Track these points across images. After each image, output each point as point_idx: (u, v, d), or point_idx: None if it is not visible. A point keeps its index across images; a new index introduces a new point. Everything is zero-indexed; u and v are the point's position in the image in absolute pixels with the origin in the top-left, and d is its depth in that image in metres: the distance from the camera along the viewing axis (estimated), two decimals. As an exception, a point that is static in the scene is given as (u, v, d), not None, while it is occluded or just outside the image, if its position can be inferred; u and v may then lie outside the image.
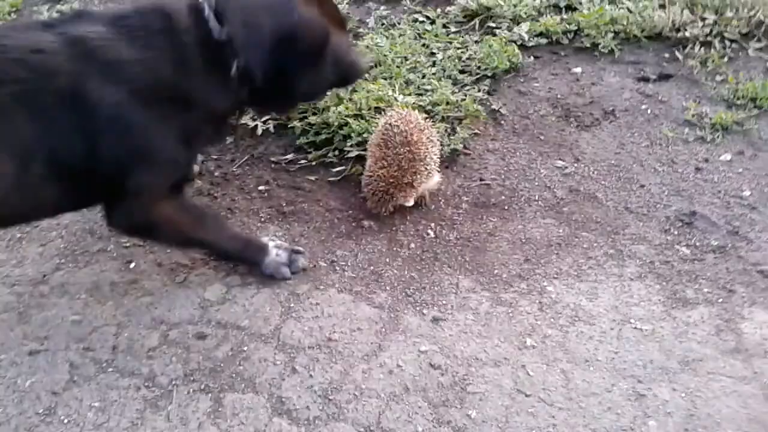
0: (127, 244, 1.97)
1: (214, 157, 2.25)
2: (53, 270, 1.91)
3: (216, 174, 2.19)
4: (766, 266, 1.74)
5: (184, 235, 1.74)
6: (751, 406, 1.45)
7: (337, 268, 1.85)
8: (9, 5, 3.17)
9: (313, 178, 2.14)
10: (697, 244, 1.82)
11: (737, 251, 1.79)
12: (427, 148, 1.91)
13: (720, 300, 1.67)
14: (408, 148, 1.87)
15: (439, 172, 1.98)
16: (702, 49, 2.45)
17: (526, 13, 2.67)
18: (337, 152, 2.17)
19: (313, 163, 2.17)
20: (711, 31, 2.51)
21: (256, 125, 2.29)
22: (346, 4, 2.91)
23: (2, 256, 1.97)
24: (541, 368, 1.56)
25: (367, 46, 2.54)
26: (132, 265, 1.91)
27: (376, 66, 2.46)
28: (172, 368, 1.63)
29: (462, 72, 2.42)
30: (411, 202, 1.94)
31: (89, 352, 1.69)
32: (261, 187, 2.13)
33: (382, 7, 2.88)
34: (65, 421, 1.54)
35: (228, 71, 1.59)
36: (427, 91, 2.32)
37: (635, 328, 1.63)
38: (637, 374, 1.53)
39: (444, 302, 1.73)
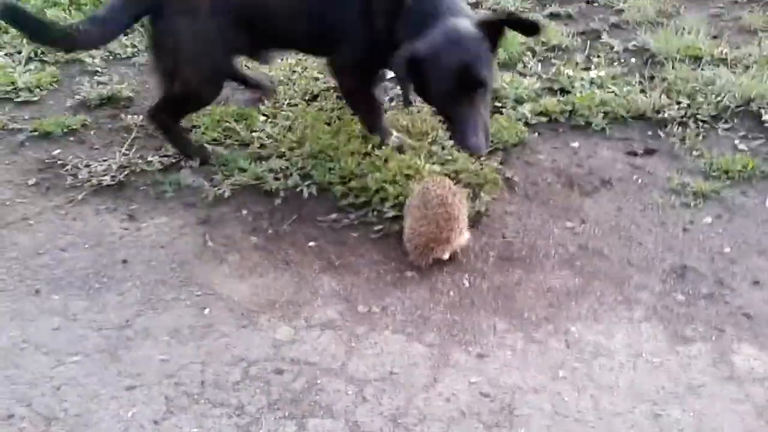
0: (199, 293, 2.24)
1: (266, 216, 2.55)
2: (135, 316, 2.16)
3: (269, 231, 2.48)
4: (749, 309, 2.10)
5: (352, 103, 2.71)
6: (746, 421, 1.78)
7: (389, 312, 2.14)
8: (50, 76, 3.45)
9: (356, 235, 2.45)
10: (690, 291, 2.18)
11: (723, 297, 2.15)
12: (460, 210, 2.25)
13: (713, 338, 2.02)
14: (444, 209, 2.20)
15: (468, 230, 2.31)
16: (680, 128, 2.87)
17: (527, 95, 3.07)
18: (375, 213, 2.49)
19: (355, 222, 2.48)
20: (686, 113, 2.94)
21: (302, 189, 2.60)
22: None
23: (84, 303, 2.21)
24: (573, 394, 1.87)
25: (392, 122, 2.90)
26: (206, 311, 2.17)
27: (402, 139, 2.81)
28: (257, 399, 1.89)
29: (477, 145, 2.78)
30: (447, 256, 2.27)
31: (180, 386, 1.93)
32: (311, 243, 2.43)
33: (398, 87, 3.26)
34: (170, 444, 1.78)
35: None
36: (449, 161, 2.67)
37: (647, 361, 1.96)
38: (653, 398, 1.85)
39: (485, 341, 2.03)
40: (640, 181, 2.64)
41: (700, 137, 2.83)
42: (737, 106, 2.94)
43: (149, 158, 2.83)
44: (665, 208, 2.50)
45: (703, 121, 2.91)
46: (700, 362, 1.95)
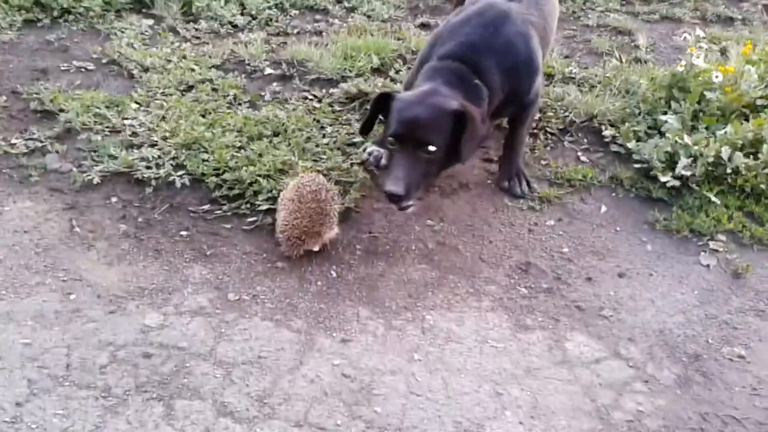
0: (65, 279, 2.23)
1: (136, 204, 2.56)
2: (-5, 300, 2.12)
3: (139, 219, 2.50)
4: (581, 303, 2.37)
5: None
6: (574, 399, 2.03)
7: (258, 300, 2.24)
8: None
9: (228, 226, 2.52)
10: (532, 285, 2.43)
11: (560, 291, 2.41)
12: (331, 205, 2.38)
13: (550, 326, 2.27)
14: (318, 204, 2.33)
15: (337, 225, 2.45)
16: (531, 139, 3.15)
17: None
18: (249, 205, 2.57)
19: (228, 213, 2.55)
20: (537, 125, 3.23)
21: (174, 179, 2.63)
22: (243, 77, 3.34)
23: (-61, 287, 2.14)
24: (426, 376, 2.05)
25: (267, 117, 2.99)
26: (72, 296, 2.17)
27: (275, 135, 2.91)
28: (124, 381, 1.93)
29: (349, 145, 2.93)
30: (317, 248, 2.39)
31: (44, 369, 1.93)
32: (183, 233, 2.47)
33: (275, 84, 3.35)
34: (33, 426, 1.78)
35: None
36: (321, 158, 2.80)
37: (492, 346, 2.17)
38: (495, 379, 2.06)
39: (348, 327, 2.18)
40: (493, 185, 2.88)
41: (548, 148, 3.12)
42: (582, 122, 3.27)
43: (13, 140, 2.75)
44: (514, 211, 2.76)
45: (552, 134, 3.21)
46: (538, 348, 2.19)
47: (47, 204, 2.51)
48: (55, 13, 3.74)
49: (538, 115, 3.27)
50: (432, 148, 2.40)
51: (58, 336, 2.03)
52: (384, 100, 2.51)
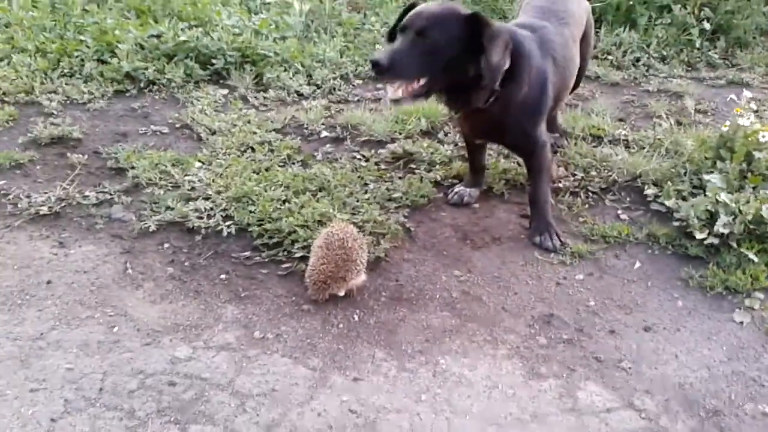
0: (112, 314, 2.46)
1: (185, 250, 2.79)
2: (49, 329, 2.37)
3: (186, 264, 2.72)
4: (600, 354, 2.36)
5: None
6: (577, 446, 2.03)
7: (281, 339, 2.38)
8: (8, 115, 3.71)
9: (265, 271, 2.69)
10: (552, 336, 2.44)
11: (581, 343, 2.42)
12: (358, 253, 2.52)
13: (564, 375, 2.27)
14: (344, 251, 2.47)
15: (365, 272, 2.57)
16: (570, 197, 3.20)
17: (440, 160, 3.40)
18: (286, 253, 2.75)
19: (266, 260, 2.73)
20: (579, 184, 3.28)
21: (222, 228, 2.85)
22: (300, 139, 3.59)
23: (4, 317, 2.41)
24: (430, 416, 2.10)
25: (315, 174, 3.19)
26: (115, 329, 2.38)
27: (320, 190, 3.10)
28: (148, 405, 2.09)
29: (388, 200, 3.08)
30: (342, 293, 2.52)
31: (80, 391, 2.13)
32: (222, 276, 2.67)
33: (328, 145, 3.58)
34: (61, 440, 1.97)
35: None
36: (359, 211, 2.96)
37: (502, 391, 2.20)
38: (500, 422, 2.09)
39: (362, 367, 2.27)
40: (526, 240, 2.93)
41: (587, 206, 3.15)
42: (625, 181, 3.29)
43: (86, 193, 3.08)
44: (544, 265, 2.79)
45: (593, 193, 3.24)
46: (548, 395, 2.20)
47: (107, 248, 2.78)
48: (142, 84, 4.16)
49: (580, 174, 3.32)
50: (432, 37, 2.48)
51: (97, 363, 2.24)
52: (412, 7, 2.62)
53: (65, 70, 4.26)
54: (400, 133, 3.64)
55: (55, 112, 3.80)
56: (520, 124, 2.83)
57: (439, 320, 2.49)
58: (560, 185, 3.27)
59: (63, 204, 3.00)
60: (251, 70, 4.31)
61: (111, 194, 3.08)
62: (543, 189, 2.96)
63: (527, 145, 2.91)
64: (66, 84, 4.11)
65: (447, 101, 2.80)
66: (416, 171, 3.33)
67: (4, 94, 3.95)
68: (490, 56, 2.51)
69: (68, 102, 3.95)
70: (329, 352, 2.33)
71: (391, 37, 2.74)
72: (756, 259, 2.71)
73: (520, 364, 2.32)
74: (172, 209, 2.94)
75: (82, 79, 4.20)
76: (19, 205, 2.98)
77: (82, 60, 4.33)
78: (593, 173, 3.35)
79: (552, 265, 2.79)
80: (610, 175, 3.32)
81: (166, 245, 2.82)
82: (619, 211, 3.15)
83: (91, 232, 2.87)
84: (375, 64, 2.49)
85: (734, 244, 2.79)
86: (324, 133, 3.71)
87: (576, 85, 3.43)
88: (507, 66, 2.65)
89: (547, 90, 2.82)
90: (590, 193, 3.25)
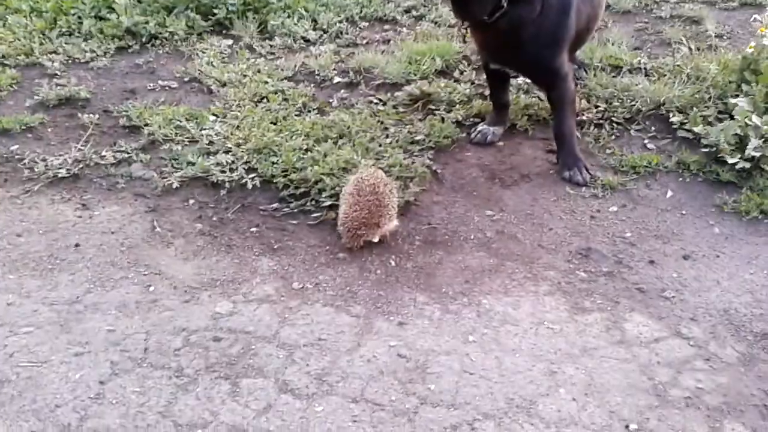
0: (146, 273, 2.42)
1: (211, 205, 2.74)
2: (85, 293, 2.34)
3: (214, 219, 2.68)
4: (642, 285, 2.35)
5: None
6: (630, 377, 2.02)
7: (320, 288, 2.35)
8: (10, 78, 3.61)
9: (294, 222, 2.65)
10: (592, 270, 2.42)
11: (621, 275, 2.40)
12: (390, 198, 2.48)
13: (609, 308, 2.26)
14: (376, 197, 2.43)
15: (396, 217, 2.54)
16: (595, 129, 3.14)
17: (459, 99, 3.33)
18: (314, 202, 2.71)
19: (295, 210, 2.69)
20: (602, 115, 3.22)
21: (246, 181, 2.80)
22: (313, 86, 3.51)
23: (38, 282, 2.38)
24: (480, 356, 2.09)
25: (333, 121, 3.13)
26: (151, 288, 2.36)
27: (341, 137, 3.04)
28: (195, 362, 2.08)
29: (411, 143, 3.02)
30: (377, 239, 2.49)
31: (125, 353, 2.11)
32: (253, 229, 2.63)
33: (342, 91, 3.50)
34: (114, 402, 1.96)
35: None
36: (384, 156, 2.90)
37: (548, 327, 2.19)
38: (550, 358, 2.08)
39: (405, 312, 2.25)
40: (555, 176, 2.89)
41: (614, 137, 3.10)
42: (649, 110, 3.23)
43: (103, 153, 3.01)
44: (576, 199, 2.76)
45: (618, 123, 3.19)
46: (595, 329, 2.19)
47: (132, 207, 2.73)
48: (144, 39, 4.04)
49: (602, 106, 3.26)
50: None
51: (138, 323, 2.22)
52: None
53: (63, 29, 4.13)
54: (415, 74, 3.56)
55: (59, 73, 3.70)
56: (536, 49, 2.73)
57: (476, 261, 2.46)
58: (584, 117, 3.21)
59: (81, 165, 2.94)
60: (254, 18, 4.18)
61: (128, 153, 3.02)
62: (568, 123, 2.90)
63: (546, 75, 2.84)
64: (66, 43, 3.99)
65: (453, 6, 2.71)
66: (436, 112, 3.26)
67: (3, 56, 3.83)
68: None
69: (70, 62, 3.84)
70: (370, 298, 2.31)
71: None
72: (791, 181, 2.68)
73: (563, 299, 2.30)
74: (194, 164, 2.88)
75: (82, 37, 4.07)
76: (35, 169, 2.92)
77: (80, 18, 4.19)
78: (616, 104, 3.28)
79: (584, 199, 2.76)
80: (633, 105, 3.26)
81: (191, 201, 2.77)
82: (646, 141, 3.10)
83: (113, 192, 2.82)
84: None
85: (766, 167, 2.74)
86: (336, 79, 3.62)
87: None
88: None
89: (569, 15, 2.72)
90: (615, 124, 3.19)
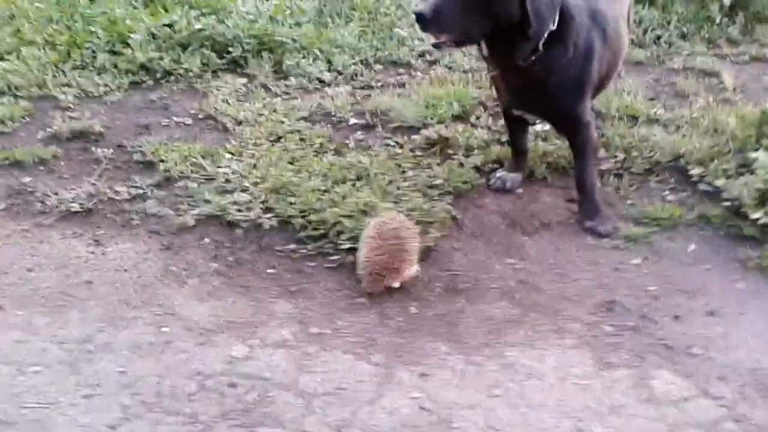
0: (159, 313, 2.36)
1: (227, 245, 2.69)
2: (96, 332, 2.27)
3: (229, 259, 2.63)
4: (668, 341, 2.29)
5: None
6: (660, 437, 1.96)
7: (339, 334, 2.29)
8: (23, 110, 3.58)
9: (312, 264, 2.60)
10: (617, 324, 2.37)
11: (647, 330, 2.34)
12: (411, 243, 2.43)
13: (636, 364, 2.20)
14: (398, 241, 2.38)
15: (417, 263, 2.49)
16: (615, 179, 3.12)
17: (477, 145, 3.30)
18: (332, 244, 2.65)
19: (313, 252, 2.64)
20: (621, 165, 3.20)
21: (263, 221, 2.75)
22: (329, 127, 3.49)
23: (47, 320, 2.31)
24: (505, 411, 2.02)
25: (351, 162, 3.10)
26: (165, 329, 2.29)
27: (359, 179, 3.01)
28: (211, 409, 2.00)
29: (430, 187, 2.98)
30: (397, 285, 2.44)
31: (137, 396, 2.04)
32: (269, 270, 2.57)
33: (359, 132, 3.48)
34: (125, 448, 1.88)
35: None
36: (403, 199, 2.86)
37: (574, 383, 2.12)
38: (577, 416, 2.01)
39: (427, 362, 2.19)
40: (577, 225, 2.85)
41: (633, 188, 3.07)
42: (668, 162, 3.21)
43: (117, 188, 2.96)
44: (598, 250, 2.72)
45: (637, 174, 3.16)
46: (622, 385, 2.12)
47: (146, 245, 2.68)
48: (158, 75, 4.02)
49: (621, 155, 3.24)
50: None
51: (151, 365, 2.14)
52: None
53: (77, 63, 4.11)
54: (432, 119, 3.54)
55: (72, 106, 3.67)
56: (562, 94, 2.73)
57: (499, 311, 2.41)
58: (603, 167, 3.18)
59: (94, 200, 2.89)
60: (269, 58, 4.18)
61: (143, 189, 2.97)
62: (589, 171, 2.87)
63: (570, 122, 2.83)
64: (79, 77, 3.96)
65: (489, 53, 2.69)
66: (454, 156, 3.23)
67: (16, 88, 3.80)
68: (535, 4, 2.44)
69: (83, 95, 3.81)
70: (391, 346, 2.25)
71: None
72: (815, 238, 2.64)
73: (588, 353, 2.24)
74: (210, 202, 2.84)
75: (95, 71, 4.05)
76: (47, 203, 2.87)
77: (94, 52, 4.18)
78: (635, 154, 3.26)
79: (606, 250, 2.72)
80: (652, 156, 3.24)
81: (206, 240, 2.72)
82: (665, 193, 3.07)
83: (126, 228, 2.77)
84: (419, 17, 2.42)
85: (790, 224, 2.72)
86: (353, 120, 3.61)
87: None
88: (554, 27, 2.56)
89: (593, 61, 2.72)
90: (634, 175, 3.17)
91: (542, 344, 2.27)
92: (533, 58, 2.59)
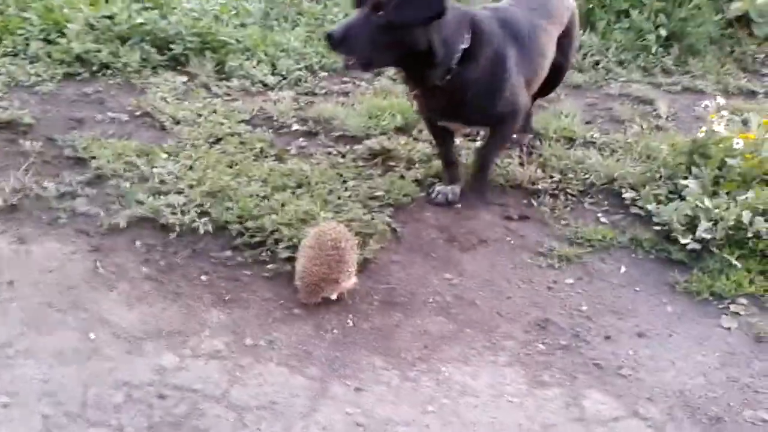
0: (85, 317, 2.26)
1: (159, 249, 2.61)
2: (18, 335, 2.15)
3: (161, 263, 2.54)
4: (599, 361, 2.34)
5: None
6: (589, 457, 1.99)
7: (275, 346, 2.24)
8: None
9: (248, 273, 2.55)
10: (550, 342, 2.41)
11: (579, 349, 2.39)
12: (350, 254, 2.41)
13: (568, 383, 2.24)
14: (337, 252, 2.35)
15: (355, 275, 2.47)
16: (551, 199, 3.18)
17: (418, 158, 3.32)
18: (269, 253, 2.61)
19: (249, 260, 2.59)
20: (557, 186, 3.26)
21: (198, 225, 2.68)
22: (270, 132, 3.44)
23: (-37, 322, 2.18)
24: (439, 427, 2.02)
25: (292, 169, 3.05)
26: (92, 335, 2.19)
27: (299, 186, 2.97)
28: (137, 421, 1.93)
29: (371, 198, 2.97)
30: (335, 296, 2.41)
31: (60, 406, 1.94)
32: (203, 277, 2.51)
33: (301, 139, 3.44)
34: (43, 461, 1.79)
35: None
36: (343, 210, 2.84)
37: (508, 401, 2.14)
38: (510, 434, 2.03)
39: (363, 377, 2.17)
40: (513, 242, 2.89)
41: (568, 209, 3.14)
42: (602, 184, 3.29)
43: (45, 184, 2.83)
44: (533, 268, 2.76)
45: (572, 195, 3.23)
46: (554, 404, 2.15)
47: (73, 245, 2.56)
48: (95, 68, 3.89)
49: (557, 176, 3.30)
50: (382, 13, 2.52)
51: (75, 374, 2.05)
52: None
53: (8, 49, 3.94)
54: (375, 129, 3.54)
55: (1, 95, 3.50)
56: (481, 103, 2.88)
57: (435, 326, 2.41)
58: (539, 187, 3.24)
59: (19, 195, 2.76)
60: (212, 58, 4.10)
61: (72, 186, 2.85)
62: (496, 152, 3.17)
63: (493, 120, 2.99)
64: (9, 64, 3.80)
65: (405, 77, 2.87)
66: (396, 168, 3.24)
67: (-57, 74, 3.61)
68: (442, 32, 2.61)
69: (13, 84, 3.65)
70: (327, 359, 2.22)
71: (357, 2, 2.67)
72: (738, 265, 2.75)
73: (522, 371, 2.27)
74: (143, 204, 2.74)
75: (27, 59, 3.89)
76: (-31, 197, 2.72)
77: (27, 39, 4.01)
78: (570, 175, 3.34)
79: (541, 269, 2.76)
80: (587, 178, 3.32)
81: (138, 243, 2.62)
82: (599, 214, 3.15)
83: (53, 227, 2.65)
84: (329, 37, 2.55)
85: (716, 250, 2.82)
86: (295, 126, 3.57)
87: (556, 83, 3.46)
88: (466, 45, 2.71)
89: (507, 67, 2.86)
90: (569, 196, 3.23)
91: (477, 361, 2.29)
92: (448, 77, 2.73)
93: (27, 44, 3.97)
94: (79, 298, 2.34)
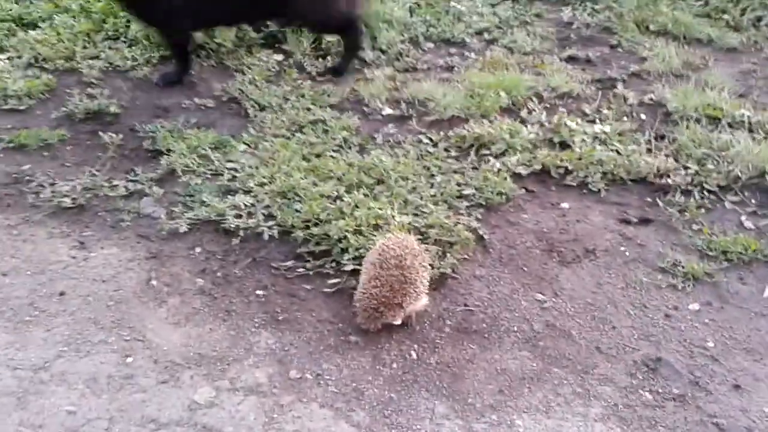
0: (128, 338, 2.10)
1: (219, 257, 2.40)
2: (56, 357, 2.03)
3: (218, 274, 2.33)
4: (722, 419, 1.85)
5: None
6: None
7: (321, 382, 1.96)
8: (44, 84, 3.38)
9: (309, 287, 2.28)
10: (660, 390, 1.94)
11: (696, 401, 1.91)
12: (419, 273, 2.06)
13: (676, 450, 1.79)
14: (401, 271, 2.02)
15: (427, 294, 2.12)
16: (682, 197, 2.63)
17: (521, 145, 2.87)
18: (334, 264, 2.32)
19: (311, 272, 2.31)
20: (692, 180, 2.70)
21: (263, 230, 2.44)
22: (357, 118, 3.12)
23: (9, 338, 2.09)
24: (503, 502, 1.66)
25: (373, 163, 2.73)
26: (129, 360, 2.02)
27: (378, 183, 2.65)
28: (157, 467, 1.73)
29: (458, 197, 2.59)
30: (398, 322, 2.08)
31: (81, 443, 1.79)
32: (259, 292, 2.27)
33: (390, 125, 3.10)
34: None
35: None
36: (423, 212, 2.49)
37: (595, 470, 1.73)
38: None
39: (418, 427, 1.84)
40: (627, 254, 2.41)
41: (703, 209, 2.59)
42: (750, 178, 2.69)
43: (115, 182, 2.71)
44: (649, 289, 2.27)
45: (710, 191, 2.66)
46: (656, 479, 1.72)
47: (132, 252, 2.42)
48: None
49: (693, 168, 2.74)
50: None
51: (104, 405, 1.89)
52: None
53: (109, 33, 3.89)
54: (476, 110, 3.12)
55: (95, 81, 3.45)
56: None
57: (516, 362, 2.02)
58: (669, 181, 2.69)
59: (88, 195, 2.65)
60: (309, 34, 3.82)
61: (142, 183, 2.71)
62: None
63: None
64: (109, 48, 3.74)
65: None
66: (491, 159, 2.82)
67: (44, 60, 3.61)
68: None
69: (109, 69, 3.59)
70: (379, 402, 1.91)
71: None
72: None
73: (618, 429, 1.83)
74: (207, 205, 2.54)
75: (127, 42, 3.82)
76: (41, 195, 2.65)
77: (128, 21, 3.94)
78: (710, 166, 2.76)
79: (660, 290, 2.27)
80: (731, 170, 2.72)
81: (197, 249, 2.43)
82: (743, 217, 2.57)
83: (115, 230, 2.52)
84: None
85: None
86: (386, 110, 3.22)
87: None
88: None
89: None
90: (706, 192, 2.67)
91: (562, 411, 1.88)
92: None
93: (128, 26, 3.90)
94: (126, 314, 2.18)
